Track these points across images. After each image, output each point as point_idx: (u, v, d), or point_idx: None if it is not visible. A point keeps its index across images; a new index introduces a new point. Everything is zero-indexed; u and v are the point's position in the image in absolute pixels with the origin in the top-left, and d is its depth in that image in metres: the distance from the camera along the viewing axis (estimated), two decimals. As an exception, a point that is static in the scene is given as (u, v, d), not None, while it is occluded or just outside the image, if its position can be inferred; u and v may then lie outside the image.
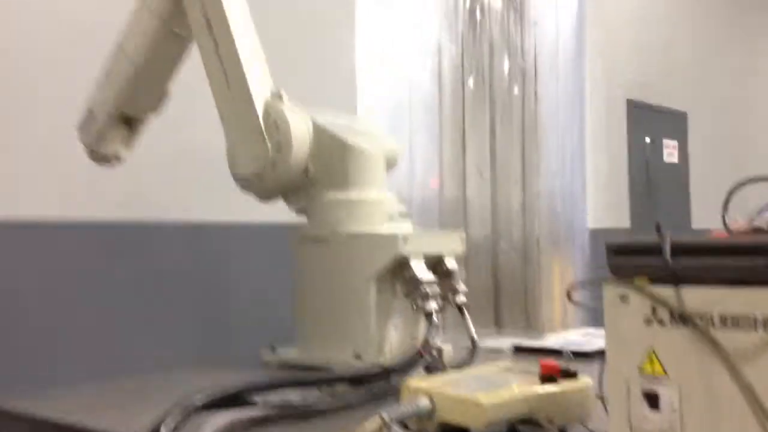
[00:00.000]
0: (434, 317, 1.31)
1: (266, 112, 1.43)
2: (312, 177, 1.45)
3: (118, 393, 1.23)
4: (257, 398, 0.99)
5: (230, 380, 1.00)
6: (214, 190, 2.34)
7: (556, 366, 0.91)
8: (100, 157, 1.73)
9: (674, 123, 5.13)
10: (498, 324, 3.38)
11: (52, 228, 2.14)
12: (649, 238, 0.60)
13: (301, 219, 1.49)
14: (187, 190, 2.44)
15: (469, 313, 1.43)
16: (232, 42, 1.45)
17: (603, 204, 4.41)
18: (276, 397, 1.00)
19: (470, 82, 3.69)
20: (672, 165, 5.13)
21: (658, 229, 0.61)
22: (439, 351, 1.31)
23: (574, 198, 4.00)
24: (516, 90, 3.81)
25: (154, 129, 1.77)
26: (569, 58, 4.05)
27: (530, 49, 3.88)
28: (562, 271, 3.90)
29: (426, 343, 1.25)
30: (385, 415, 0.82)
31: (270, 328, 1.57)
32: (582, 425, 0.90)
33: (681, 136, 5.20)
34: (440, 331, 1.32)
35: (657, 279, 0.59)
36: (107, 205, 2.25)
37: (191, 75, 1.58)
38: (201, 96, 1.49)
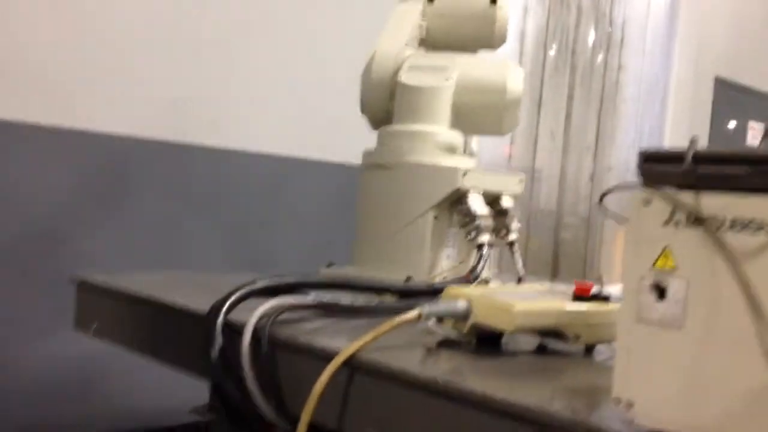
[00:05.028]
0: (484, 249, 1.37)
1: None
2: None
3: (184, 281, 1.36)
4: (311, 293, 1.08)
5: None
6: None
7: (588, 287, 0.96)
8: None
9: (764, 105, 4.94)
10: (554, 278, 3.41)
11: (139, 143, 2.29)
12: (680, 148, 0.65)
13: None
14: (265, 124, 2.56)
15: (518, 250, 1.50)
16: None
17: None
18: (327, 296, 1.09)
19: (553, 46, 3.66)
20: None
21: (693, 140, 0.65)
22: (486, 281, 1.38)
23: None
24: (599, 58, 3.76)
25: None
26: (659, 29, 3.96)
27: (618, 18, 3.81)
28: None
29: (473, 270, 1.32)
30: (422, 309, 0.90)
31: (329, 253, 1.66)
32: (609, 345, 0.96)
33: (768, 119, 5.02)
34: (488, 264, 1.39)
35: (680, 185, 0.64)
36: (194, 130, 2.40)
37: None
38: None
